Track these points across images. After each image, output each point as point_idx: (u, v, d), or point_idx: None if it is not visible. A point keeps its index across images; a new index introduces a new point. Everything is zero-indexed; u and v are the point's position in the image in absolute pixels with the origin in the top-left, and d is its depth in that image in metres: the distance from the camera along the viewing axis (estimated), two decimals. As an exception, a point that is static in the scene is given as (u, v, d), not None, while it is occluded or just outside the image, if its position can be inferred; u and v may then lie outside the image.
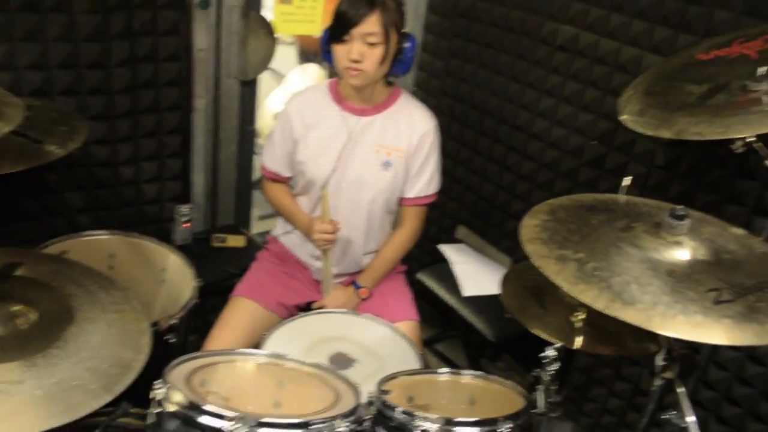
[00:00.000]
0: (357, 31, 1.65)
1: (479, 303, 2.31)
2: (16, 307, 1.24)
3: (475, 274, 2.45)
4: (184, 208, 2.32)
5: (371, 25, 1.64)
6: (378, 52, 1.68)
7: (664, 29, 1.90)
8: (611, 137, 2.10)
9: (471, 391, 1.51)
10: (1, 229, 2.08)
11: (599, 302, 1.02)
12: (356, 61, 1.67)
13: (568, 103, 2.21)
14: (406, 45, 1.74)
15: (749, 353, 1.81)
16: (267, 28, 2.45)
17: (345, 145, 1.83)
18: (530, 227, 1.21)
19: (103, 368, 1.17)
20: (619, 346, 1.54)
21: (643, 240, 1.16)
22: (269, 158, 1.96)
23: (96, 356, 1.19)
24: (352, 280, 1.97)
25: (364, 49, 1.67)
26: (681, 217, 1.16)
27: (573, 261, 1.10)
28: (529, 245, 1.15)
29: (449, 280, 2.42)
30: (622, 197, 1.37)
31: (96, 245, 1.94)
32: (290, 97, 1.92)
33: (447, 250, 2.59)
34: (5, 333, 1.18)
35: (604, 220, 1.24)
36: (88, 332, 1.25)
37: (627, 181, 1.42)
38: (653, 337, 1.22)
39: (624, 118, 1.49)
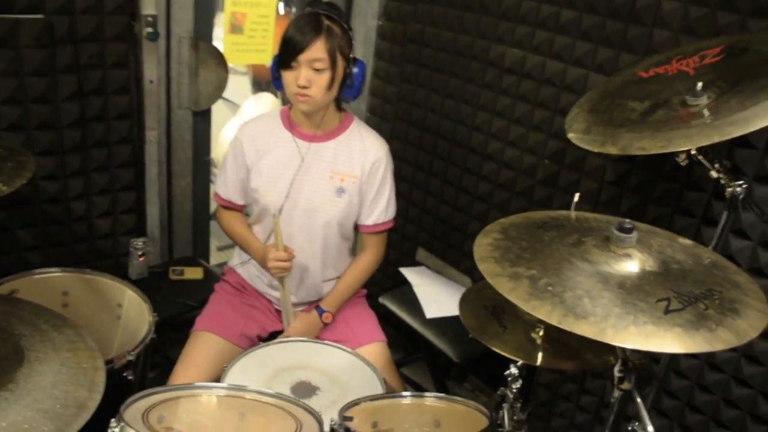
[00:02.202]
0: (303, 57, 1.66)
1: (443, 325, 2.31)
2: (-37, 351, 1.20)
3: (437, 296, 2.46)
4: (139, 242, 2.28)
5: (317, 50, 1.66)
6: (325, 77, 1.69)
7: (607, 49, 1.96)
8: (562, 155, 2.14)
9: (435, 413, 1.51)
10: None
11: (553, 317, 1.03)
12: (304, 87, 1.69)
13: (518, 124, 2.26)
14: (355, 70, 1.76)
15: (707, 360, 1.86)
16: (218, 58, 2.45)
17: (298, 172, 1.83)
18: (483, 246, 1.22)
19: (57, 409, 1.13)
20: (579, 360, 1.55)
21: (593, 254, 1.19)
22: (222, 186, 1.95)
23: (49, 397, 1.16)
24: (313, 306, 1.96)
25: (311, 74, 1.68)
26: (628, 230, 1.19)
27: (526, 278, 1.11)
28: (483, 264, 1.16)
29: (412, 303, 2.42)
30: (572, 213, 1.39)
31: (48, 283, 1.89)
32: (242, 124, 1.92)
33: (408, 273, 2.60)
34: (-50, 378, 1.14)
35: (555, 236, 1.26)
36: (39, 373, 1.21)
37: (577, 197, 1.45)
38: (611, 349, 1.24)
39: (571, 136, 1.53)
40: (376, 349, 1.86)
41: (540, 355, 1.53)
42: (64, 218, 2.21)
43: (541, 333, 1.57)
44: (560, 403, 2.28)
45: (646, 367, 1.24)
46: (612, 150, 1.39)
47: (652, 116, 1.45)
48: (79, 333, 1.36)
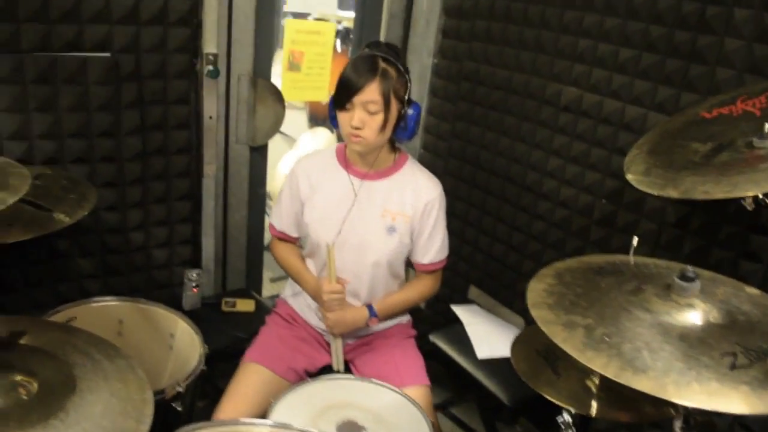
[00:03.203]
0: (357, 99, 1.67)
1: (494, 365, 2.26)
2: (18, 377, 1.23)
3: (489, 336, 2.41)
4: (193, 274, 2.32)
5: (371, 93, 1.67)
6: (378, 119, 1.70)
7: (667, 88, 1.92)
8: (620, 195, 2.09)
9: (483, 460, 1.46)
10: (11, 295, 2.09)
11: (609, 370, 0.99)
12: (357, 128, 1.70)
13: (575, 163, 2.21)
14: (410, 112, 1.76)
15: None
16: (276, 95, 2.51)
17: (350, 209, 1.83)
18: (537, 291, 1.19)
19: (104, 440, 1.15)
20: (636, 411, 1.48)
21: (653, 303, 1.14)
22: (277, 218, 1.97)
23: (97, 427, 1.17)
24: (367, 304, 1.92)
25: (365, 116, 1.69)
26: (691, 279, 1.14)
27: (581, 327, 1.07)
28: (536, 310, 1.13)
29: (462, 342, 2.37)
30: (631, 258, 1.34)
31: (104, 311, 1.94)
32: (299, 159, 1.95)
33: (460, 310, 2.56)
34: (6, 403, 1.17)
35: (612, 283, 1.22)
36: (90, 402, 1.23)
37: (635, 241, 1.40)
38: (672, 402, 1.18)
39: (630, 177, 1.49)
40: (419, 392, 1.82)
41: (594, 405, 1.47)
42: (123, 248, 2.27)
43: (596, 381, 1.51)
44: (616, 453, 2.19)
45: (708, 424, 1.17)
46: (673, 194, 1.34)
47: (716, 159, 1.40)
48: (130, 364, 1.38)
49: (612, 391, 1.49)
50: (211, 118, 2.33)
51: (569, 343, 1.03)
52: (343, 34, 3.68)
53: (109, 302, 1.95)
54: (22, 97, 1.92)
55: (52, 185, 1.79)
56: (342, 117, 1.73)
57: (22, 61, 1.88)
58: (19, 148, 1.95)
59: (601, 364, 0.99)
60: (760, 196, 1.38)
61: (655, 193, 1.38)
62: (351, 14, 2.99)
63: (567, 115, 2.22)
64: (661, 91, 1.94)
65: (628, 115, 2.03)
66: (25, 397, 1.20)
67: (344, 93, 1.69)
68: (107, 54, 2.02)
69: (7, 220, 1.58)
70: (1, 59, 1.85)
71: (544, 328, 1.08)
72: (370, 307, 1.90)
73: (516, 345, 1.62)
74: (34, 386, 1.23)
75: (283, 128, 2.68)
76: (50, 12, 1.89)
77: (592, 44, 2.10)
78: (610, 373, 0.97)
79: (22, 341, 1.35)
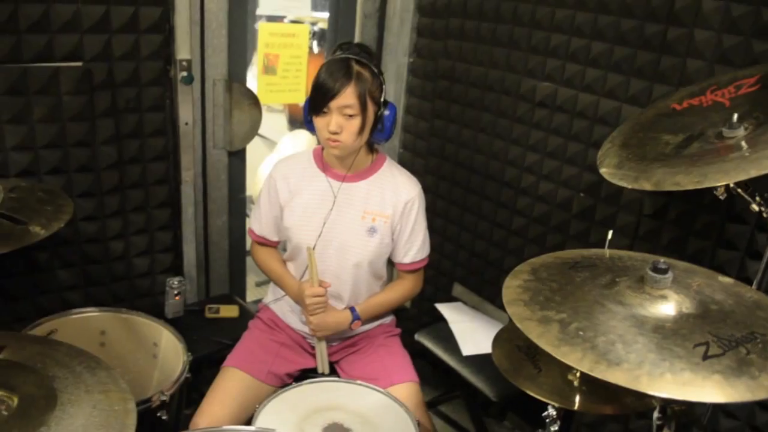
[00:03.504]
0: (334, 103, 1.67)
1: (480, 362, 2.27)
2: (-3, 394, 1.22)
3: (474, 333, 2.42)
4: (175, 281, 2.31)
5: (347, 97, 1.67)
6: (355, 123, 1.70)
7: (640, 81, 1.93)
8: (598, 189, 2.11)
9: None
10: (-10, 310, 2.07)
11: (584, 364, 1.00)
12: (335, 133, 1.70)
13: (552, 158, 2.23)
14: (386, 113, 1.76)
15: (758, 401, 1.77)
16: (252, 99, 2.50)
17: (330, 211, 1.83)
18: (512, 288, 1.20)
19: (87, 453, 1.14)
20: (619, 403, 1.49)
21: (627, 296, 1.15)
22: (256, 223, 1.97)
23: (79, 441, 1.17)
24: (349, 307, 1.92)
25: (342, 120, 1.69)
26: (663, 271, 1.15)
27: (556, 322, 1.08)
28: (511, 307, 1.14)
29: (448, 340, 2.38)
30: (606, 251, 1.36)
31: (86, 323, 1.93)
32: (276, 163, 1.95)
33: (444, 309, 2.56)
34: (-16, 422, 1.16)
35: (587, 277, 1.23)
36: (71, 415, 1.22)
37: (610, 234, 1.42)
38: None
39: (603, 171, 1.50)
40: (408, 389, 1.83)
41: (577, 399, 1.48)
42: (103, 258, 2.25)
43: (578, 375, 1.52)
44: (603, 444, 2.20)
45: (687, 413, 1.18)
46: (646, 186, 1.35)
47: (687, 150, 1.42)
48: (111, 375, 1.37)
49: (594, 384, 1.50)
50: (187, 124, 2.32)
51: (544, 338, 1.04)
52: (319, 36, 3.68)
53: (91, 313, 1.94)
54: (-6, 110, 1.91)
55: (28, 197, 1.77)
56: (319, 122, 1.73)
57: (-8, 73, 1.87)
58: (-8, 161, 1.94)
59: (576, 359, 1.00)
60: (732, 185, 1.40)
61: (628, 185, 1.39)
62: (326, 14, 2.98)
63: (542, 110, 2.23)
64: (633, 84, 1.96)
65: (602, 108, 2.05)
66: (5, 413, 1.19)
67: (320, 98, 1.69)
68: (79, 63, 2.00)
69: (-18, 235, 1.56)
70: (-29, 72, 1.84)
71: (519, 325, 1.09)
72: (353, 309, 1.91)
73: (497, 342, 1.63)
74: (14, 401, 1.22)
75: (262, 131, 2.68)
76: (19, 22, 1.87)
77: (565, 39, 2.11)
78: (585, 367, 0.98)
79: (0, 356, 1.34)
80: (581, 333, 1.05)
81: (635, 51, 1.93)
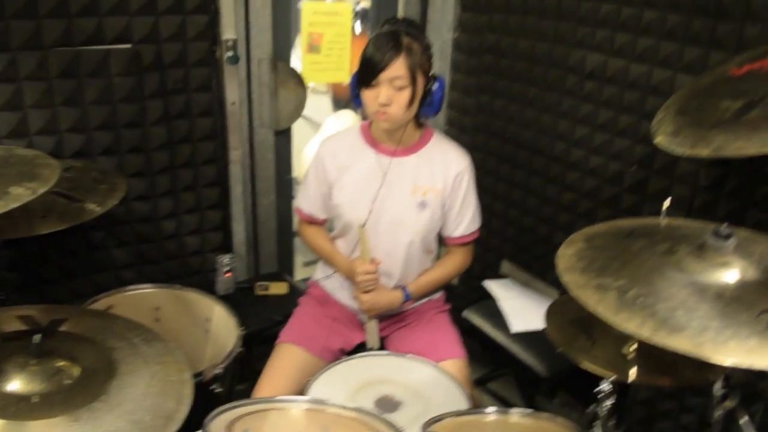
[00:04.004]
0: (384, 75, 1.66)
1: (529, 338, 2.25)
2: (61, 363, 1.26)
3: (523, 309, 2.40)
4: (226, 258, 2.35)
5: (397, 69, 1.65)
6: (405, 95, 1.69)
7: (694, 48, 1.87)
8: (650, 161, 2.05)
9: (521, 430, 1.46)
10: (50, 286, 2.15)
11: (644, 331, 0.97)
12: (384, 105, 1.69)
13: (602, 130, 2.18)
14: (434, 87, 1.75)
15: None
16: (296, 78, 2.51)
17: (380, 187, 1.83)
18: (567, 257, 1.18)
19: (147, 420, 1.17)
20: (676, 376, 1.46)
21: (687, 263, 1.12)
22: (304, 201, 1.97)
23: (139, 408, 1.20)
24: (401, 286, 1.92)
25: (392, 92, 1.68)
26: (726, 237, 1.11)
27: (613, 289, 1.06)
28: (566, 275, 1.12)
29: (497, 317, 2.37)
30: (662, 220, 1.32)
31: (141, 299, 1.97)
32: (323, 141, 1.95)
33: (492, 286, 2.55)
34: (50, 389, 1.20)
35: (644, 246, 1.19)
36: (130, 385, 1.26)
37: (667, 202, 1.37)
38: (711, 364, 1.16)
39: (659, 140, 1.46)
40: (456, 365, 1.82)
41: (632, 371, 1.45)
42: (156, 237, 2.30)
43: (633, 347, 1.49)
44: (658, 421, 2.16)
45: (750, 383, 1.15)
46: (704, 152, 1.30)
47: (747, 115, 1.36)
48: (167, 347, 1.41)
49: (650, 356, 1.47)
50: (233, 103, 2.34)
51: (602, 305, 1.02)
52: (361, 15, 3.66)
53: (146, 290, 1.99)
54: (48, 93, 1.95)
55: (83, 177, 1.83)
56: (367, 95, 1.72)
57: (45, 56, 1.91)
58: (48, 143, 1.99)
59: (636, 325, 0.97)
60: (795, 152, 1.34)
61: (686, 152, 1.34)
62: (368, -6, 2.97)
63: (592, 83, 2.18)
64: (688, 52, 1.89)
65: (655, 78, 1.99)
66: (68, 382, 1.23)
67: (369, 70, 1.68)
68: (128, 45, 2.04)
69: (41, 212, 1.62)
70: (26, 56, 1.89)
71: (575, 293, 1.07)
72: (404, 288, 1.91)
73: (549, 315, 1.61)
74: (76, 371, 1.26)
75: (307, 113, 2.68)
76: (70, 6, 1.91)
77: (615, 8, 2.05)
78: (645, 334, 0.96)
79: (62, 329, 1.38)
80: (640, 300, 1.02)
81: (689, 17, 1.87)
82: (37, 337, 1.26)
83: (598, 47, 2.14)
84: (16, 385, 1.19)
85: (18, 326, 1.36)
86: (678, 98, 1.58)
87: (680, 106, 1.52)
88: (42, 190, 1.24)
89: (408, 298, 1.91)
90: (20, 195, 1.21)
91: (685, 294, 1.04)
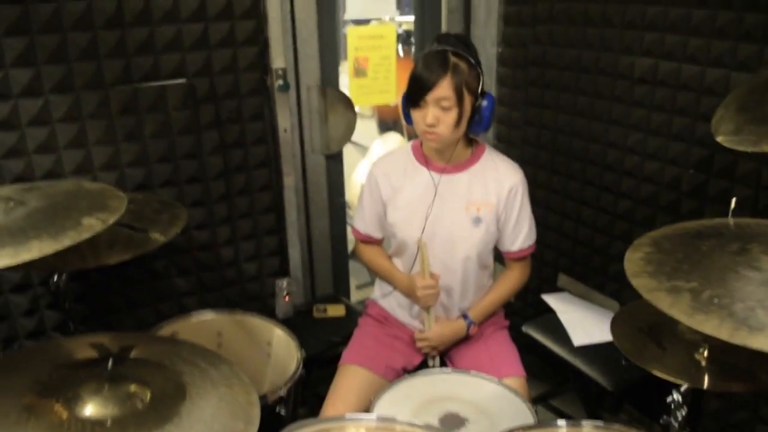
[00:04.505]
0: (430, 96, 1.67)
1: (592, 352, 2.20)
2: (132, 388, 1.28)
3: (583, 322, 2.35)
4: (284, 282, 2.38)
5: (443, 90, 1.66)
6: (452, 115, 1.68)
7: (748, 45, 1.83)
8: (709, 163, 2.00)
9: (593, 442, 1.42)
10: (116, 316, 2.21)
11: (722, 331, 0.94)
12: (431, 126, 1.69)
13: (656, 135, 2.14)
14: (484, 104, 1.73)
15: None
16: (345, 102, 2.54)
17: (434, 205, 1.83)
18: (634, 261, 1.15)
19: (218, 442, 1.19)
20: (752, 381, 1.41)
21: (762, 261, 1.08)
22: (360, 221, 1.99)
23: (209, 430, 1.21)
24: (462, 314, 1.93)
25: (438, 113, 1.68)
26: (800, 232, 1.07)
27: (686, 291, 1.03)
28: (636, 279, 1.09)
29: (557, 331, 2.32)
30: (730, 220, 1.28)
31: (204, 325, 2.01)
32: (375, 161, 1.96)
33: (551, 299, 2.51)
34: (123, 413, 1.22)
35: (714, 246, 1.16)
36: (200, 407, 1.27)
37: (733, 203, 1.34)
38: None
39: (720, 139, 1.42)
40: (518, 382, 1.79)
41: (706, 378, 1.40)
42: (215, 264, 2.35)
43: (705, 353, 1.44)
44: (732, 433, 2.08)
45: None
46: (769, 148, 1.27)
47: (813, 108, 1.32)
48: (233, 370, 1.43)
49: (723, 362, 1.42)
50: (285, 130, 2.39)
51: (676, 308, 0.99)
52: (403, 38, 3.70)
53: (208, 316, 2.02)
54: (110, 129, 2.03)
55: (145, 208, 1.88)
56: (416, 115, 1.73)
57: (107, 95, 1.99)
58: (111, 177, 2.06)
59: (713, 327, 0.94)
60: None
61: (749, 149, 1.31)
62: (410, 18, 3.00)
63: (643, 87, 2.15)
64: (742, 49, 1.85)
65: (708, 78, 1.95)
66: (140, 406, 1.25)
67: (417, 91, 1.69)
68: (183, 80, 2.11)
69: (108, 243, 1.67)
70: (89, 95, 1.97)
71: (647, 296, 1.04)
72: (465, 316, 1.91)
73: (616, 324, 1.57)
74: (148, 395, 1.28)
75: (354, 138, 2.72)
76: (127, 46, 1.99)
77: (662, 10, 2.03)
78: (724, 335, 0.93)
79: (132, 355, 1.42)
80: (716, 300, 0.99)
81: (741, 14, 1.83)
82: (110, 363, 1.29)
83: (647, 51, 2.11)
84: (90, 409, 1.22)
85: (90, 353, 1.40)
86: (736, 96, 1.55)
87: (740, 104, 1.48)
88: (112, 220, 1.28)
89: (470, 323, 1.90)
90: (92, 225, 1.26)
91: (762, 292, 1.01)
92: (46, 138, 1.94)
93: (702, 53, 1.95)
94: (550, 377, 2.58)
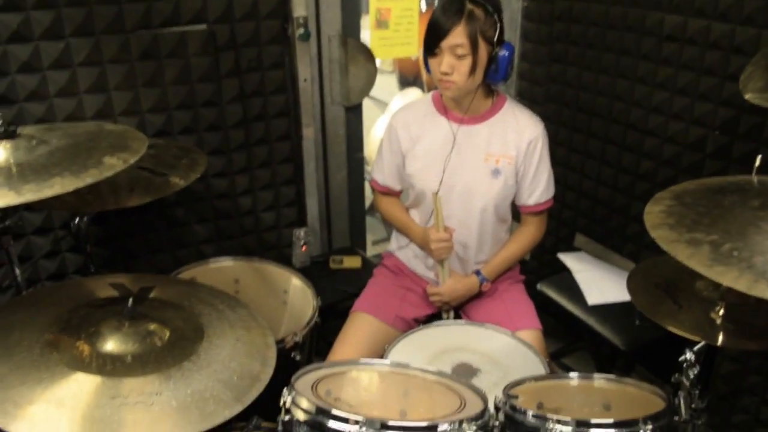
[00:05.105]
0: (445, 43, 1.64)
1: (606, 311, 2.20)
2: (152, 326, 1.31)
3: (599, 282, 2.34)
4: (301, 232, 2.39)
5: (457, 36, 1.63)
6: (466, 63, 1.66)
7: (784, 2, 1.77)
8: (735, 124, 1.96)
9: (605, 395, 1.43)
10: (136, 260, 2.24)
11: (741, 283, 0.93)
12: (446, 74, 1.67)
13: (682, 94, 2.10)
14: (501, 53, 1.70)
15: None
16: (366, 53, 2.51)
17: (453, 155, 1.82)
18: (654, 214, 1.14)
19: (234, 380, 1.21)
20: (766, 339, 1.40)
21: (784, 217, 1.07)
22: (379, 173, 1.99)
23: (226, 369, 1.24)
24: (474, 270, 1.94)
25: (453, 61, 1.66)
26: (826, 189, 1.06)
27: (706, 243, 1.02)
28: (656, 231, 1.08)
29: (572, 290, 2.33)
30: (754, 177, 1.27)
31: (221, 272, 2.03)
32: (396, 111, 1.95)
33: (567, 258, 2.50)
34: (144, 349, 1.25)
35: (736, 201, 1.15)
36: (218, 347, 1.30)
37: (758, 160, 1.32)
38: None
39: (748, 96, 1.39)
40: (533, 335, 1.80)
41: (721, 335, 1.40)
42: (233, 213, 2.37)
43: (721, 312, 1.44)
44: (743, 397, 2.08)
45: None
46: (799, 105, 1.24)
47: None
48: (251, 313, 1.45)
49: (739, 321, 1.42)
50: (305, 80, 2.37)
51: (695, 259, 0.99)
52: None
53: (225, 263, 2.04)
54: (131, 74, 2.02)
55: (165, 153, 1.89)
56: (432, 63, 1.71)
57: (127, 39, 1.98)
58: (131, 123, 2.06)
59: (732, 278, 0.94)
60: None
61: (779, 106, 1.28)
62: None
63: (671, 45, 2.10)
64: (776, 7, 1.80)
65: (738, 36, 1.90)
66: (159, 344, 1.28)
67: (432, 38, 1.67)
68: (203, 26, 2.09)
69: (129, 186, 1.69)
70: (109, 40, 1.96)
71: (666, 248, 1.04)
72: (478, 273, 1.91)
73: (632, 280, 1.56)
74: (167, 334, 1.31)
75: (373, 93, 2.69)
76: (148, -11, 1.97)
77: (696, -36, 1.97)
78: (743, 287, 0.92)
79: (151, 296, 1.44)
80: (736, 253, 0.98)
81: (777, -31, 1.77)
82: (130, 301, 1.32)
83: (676, 8, 2.05)
84: (111, 345, 1.25)
85: (110, 293, 1.43)
86: (766, 53, 1.51)
87: (770, 60, 1.45)
88: (132, 160, 1.29)
89: (484, 280, 1.91)
90: (113, 165, 1.27)
91: (783, 247, 1.00)
92: (67, 82, 1.94)
93: (733, 11, 1.90)
94: (564, 336, 2.59)
